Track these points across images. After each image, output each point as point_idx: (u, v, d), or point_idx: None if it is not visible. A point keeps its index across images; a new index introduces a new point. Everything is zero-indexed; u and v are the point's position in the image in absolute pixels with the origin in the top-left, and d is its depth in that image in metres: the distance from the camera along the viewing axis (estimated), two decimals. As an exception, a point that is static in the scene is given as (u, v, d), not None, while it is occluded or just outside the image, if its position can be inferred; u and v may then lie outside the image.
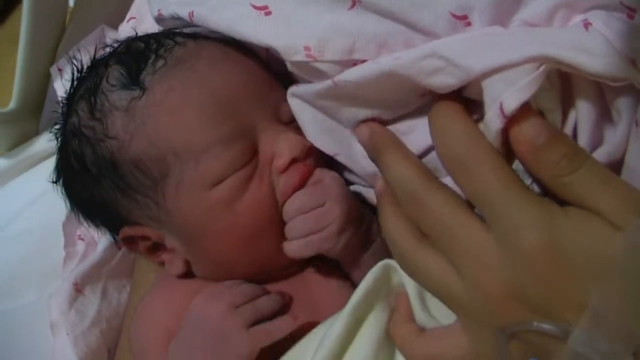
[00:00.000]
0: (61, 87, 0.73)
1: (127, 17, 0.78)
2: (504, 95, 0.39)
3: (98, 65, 0.59)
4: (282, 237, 0.54)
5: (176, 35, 0.57)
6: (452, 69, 0.42)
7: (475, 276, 0.41)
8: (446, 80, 0.42)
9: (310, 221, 0.53)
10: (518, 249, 0.39)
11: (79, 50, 0.64)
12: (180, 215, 0.55)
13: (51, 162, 0.63)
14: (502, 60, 0.40)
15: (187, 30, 0.59)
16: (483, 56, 0.41)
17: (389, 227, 0.46)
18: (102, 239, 0.70)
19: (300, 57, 0.47)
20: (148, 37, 0.58)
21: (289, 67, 0.50)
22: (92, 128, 0.56)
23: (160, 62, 0.54)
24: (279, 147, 0.54)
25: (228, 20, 0.50)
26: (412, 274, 0.46)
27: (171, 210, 0.55)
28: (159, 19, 0.58)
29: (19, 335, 0.68)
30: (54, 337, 0.63)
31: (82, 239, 0.71)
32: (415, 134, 0.49)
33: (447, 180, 0.45)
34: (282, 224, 0.55)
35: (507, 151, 0.42)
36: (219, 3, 0.51)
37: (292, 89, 0.54)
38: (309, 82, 0.51)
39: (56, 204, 0.63)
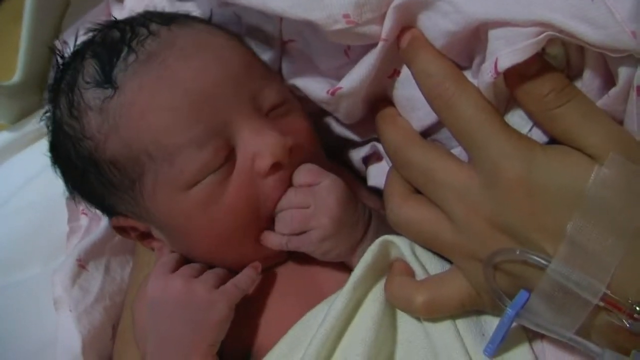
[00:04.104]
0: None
1: (133, -10, 0.77)
2: (501, 53, 0.41)
3: (77, 55, 0.58)
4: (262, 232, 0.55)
5: (152, 22, 0.56)
6: (456, 15, 0.43)
7: (461, 213, 0.44)
8: (447, 26, 0.44)
9: (296, 221, 0.53)
10: (497, 180, 0.42)
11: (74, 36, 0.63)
12: (160, 214, 0.55)
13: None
14: (506, 15, 0.41)
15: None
16: (487, 5, 0.42)
17: (385, 190, 0.50)
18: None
19: (341, 25, 0.47)
20: (125, 24, 0.57)
21: (328, 36, 0.48)
22: (71, 126, 0.56)
23: (132, 57, 0.53)
24: (259, 148, 0.52)
25: None
26: (403, 228, 0.48)
27: (151, 208, 0.55)
28: None
29: (23, 307, 0.68)
30: (57, 313, 0.63)
31: (85, 214, 0.71)
32: None
33: (455, 151, 0.47)
34: (264, 220, 0.54)
35: (500, 100, 0.44)
36: None
37: (342, 92, 0.52)
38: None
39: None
